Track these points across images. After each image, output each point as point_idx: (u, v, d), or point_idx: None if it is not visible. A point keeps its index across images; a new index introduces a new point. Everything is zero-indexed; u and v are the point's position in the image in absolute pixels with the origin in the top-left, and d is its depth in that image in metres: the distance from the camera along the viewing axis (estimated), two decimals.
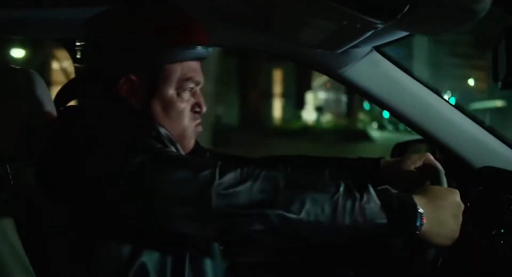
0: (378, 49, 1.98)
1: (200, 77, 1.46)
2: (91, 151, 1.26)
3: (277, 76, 25.25)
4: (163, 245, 1.33)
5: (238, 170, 1.24)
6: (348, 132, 23.04)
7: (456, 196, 1.36)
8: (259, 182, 1.22)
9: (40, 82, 1.64)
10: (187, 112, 1.45)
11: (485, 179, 1.80)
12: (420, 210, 1.27)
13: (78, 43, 1.46)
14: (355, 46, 1.85)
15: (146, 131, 1.32)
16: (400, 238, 1.30)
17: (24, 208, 1.43)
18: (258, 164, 1.90)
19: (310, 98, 28.96)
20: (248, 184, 1.21)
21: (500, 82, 1.31)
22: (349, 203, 1.23)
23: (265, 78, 21.72)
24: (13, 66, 1.65)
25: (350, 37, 1.68)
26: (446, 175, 1.58)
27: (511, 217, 1.58)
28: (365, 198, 1.24)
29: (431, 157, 1.80)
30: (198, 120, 1.50)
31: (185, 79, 1.42)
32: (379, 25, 1.41)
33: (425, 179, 1.67)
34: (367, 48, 1.96)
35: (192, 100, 1.47)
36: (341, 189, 1.25)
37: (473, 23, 1.28)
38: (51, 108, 1.66)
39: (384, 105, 2.01)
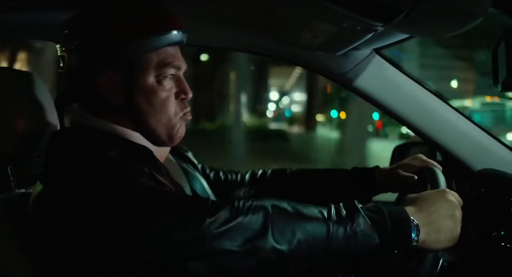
0: (378, 51, 1.98)
1: (180, 62, 1.44)
2: (77, 202, 1.24)
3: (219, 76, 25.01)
4: None
5: (228, 206, 1.23)
6: (266, 132, 23.73)
7: (447, 195, 1.35)
8: (250, 217, 1.22)
9: (40, 85, 1.64)
10: (172, 100, 1.44)
11: (484, 181, 1.80)
12: (415, 222, 1.27)
13: (58, 50, 1.45)
14: (355, 48, 1.85)
15: (137, 169, 1.30)
16: (397, 250, 1.30)
17: (22, 209, 1.43)
18: (252, 180, 1.91)
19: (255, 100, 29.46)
20: (239, 219, 1.21)
21: (500, 84, 1.31)
22: (341, 229, 1.23)
23: (206, 77, 21.36)
24: (13, 68, 1.66)
25: (350, 40, 1.68)
26: (443, 173, 1.58)
27: (511, 219, 1.58)
28: (356, 222, 1.24)
29: (424, 157, 1.80)
30: (187, 109, 1.48)
31: (163, 65, 1.40)
32: (379, 28, 1.41)
33: (423, 181, 1.67)
34: (367, 50, 1.96)
35: (176, 88, 1.45)
36: (332, 215, 1.25)
37: (472, 25, 1.29)
38: (51, 110, 1.66)
39: (384, 107, 2.01)
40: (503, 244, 1.55)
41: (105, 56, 1.38)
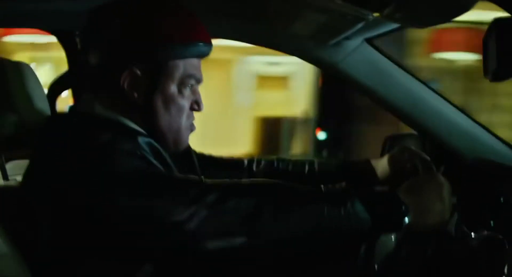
0: (369, 41, 1.99)
1: (200, 75, 1.46)
2: (72, 179, 1.26)
3: None
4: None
5: (222, 186, 1.26)
6: None
7: (435, 178, 1.39)
8: (245, 197, 1.25)
9: (32, 75, 1.64)
10: (186, 109, 1.45)
11: (475, 170, 1.81)
12: (405, 205, 1.30)
13: (79, 33, 1.44)
14: (346, 38, 1.85)
15: (129, 151, 1.31)
16: (388, 233, 1.32)
17: (15, 202, 1.43)
18: (244, 167, 1.90)
19: None
20: (234, 199, 1.23)
21: (490, 75, 1.31)
22: (334, 211, 1.26)
23: None
24: (5, 58, 1.65)
25: (341, 29, 1.68)
26: (433, 162, 1.59)
27: (501, 209, 1.59)
28: (349, 204, 1.26)
29: (411, 148, 1.80)
30: (193, 119, 1.50)
31: (187, 76, 1.41)
32: (369, 17, 1.41)
33: (413, 172, 1.68)
34: (358, 40, 1.96)
35: (192, 98, 1.46)
36: (325, 196, 1.28)
37: (462, 15, 1.29)
38: (43, 100, 1.66)
39: (375, 98, 2.01)
40: (493, 233, 1.55)
41: (135, 54, 1.37)
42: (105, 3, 1.42)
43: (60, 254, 1.31)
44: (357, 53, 1.98)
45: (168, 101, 1.41)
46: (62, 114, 1.53)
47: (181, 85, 1.42)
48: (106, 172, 1.25)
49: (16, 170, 1.94)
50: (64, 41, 2.19)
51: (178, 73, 1.40)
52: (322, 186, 1.33)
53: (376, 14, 1.37)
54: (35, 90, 1.62)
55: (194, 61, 1.43)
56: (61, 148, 1.33)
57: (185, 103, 1.44)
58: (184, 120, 1.45)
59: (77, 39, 1.47)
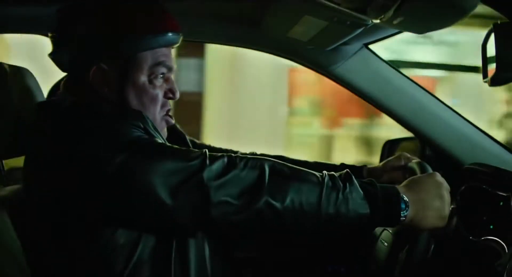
0: (368, 46, 1.99)
1: (171, 63, 1.46)
2: (75, 150, 1.27)
3: None
4: (151, 236, 1.34)
5: (225, 159, 1.26)
6: None
7: (436, 176, 1.39)
8: (246, 170, 1.25)
9: (31, 79, 1.64)
10: (159, 98, 1.45)
11: (474, 175, 1.81)
12: (405, 198, 1.30)
13: (49, 34, 1.45)
14: (346, 43, 1.85)
15: (132, 123, 1.32)
16: (386, 226, 1.32)
17: (16, 202, 1.44)
18: None
19: None
20: (236, 172, 1.24)
21: (489, 79, 1.31)
22: (333, 193, 1.26)
23: None
24: (4, 63, 1.65)
25: (340, 34, 1.68)
26: (432, 168, 1.59)
27: (500, 213, 1.59)
28: (348, 189, 1.27)
29: (408, 155, 1.81)
30: (169, 107, 1.50)
31: (156, 64, 1.41)
32: (369, 22, 1.41)
33: (411, 174, 1.68)
34: (357, 45, 1.96)
35: (165, 86, 1.46)
36: (326, 179, 1.28)
37: (461, 20, 1.29)
38: None
39: (374, 102, 2.02)
40: (492, 238, 1.55)
41: (101, 49, 1.38)
42: (70, 3, 1.43)
43: (62, 234, 1.32)
44: (356, 58, 1.98)
45: (140, 92, 1.41)
46: (51, 102, 1.53)
47: (152, 75, 1.42)
48: (112, 142, 1.26)
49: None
50: None
51: (147, 64, 1.40)
52: (325, 171, 1.32)
53: (375, 20, 1.37)
54: (35, 95, 1.62)
55: (162, 50, 1.43)
56: (60, 133, 1.33)
57: (158, 92, 1.44)
58: (158, 110, 1.45)
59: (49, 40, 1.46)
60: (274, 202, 1.23)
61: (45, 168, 1.33)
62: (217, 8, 1.76)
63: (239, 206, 1.22)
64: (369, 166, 1.88)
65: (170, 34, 1.42)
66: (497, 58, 1.25)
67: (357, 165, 1.89)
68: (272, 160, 1.31)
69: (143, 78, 1.41)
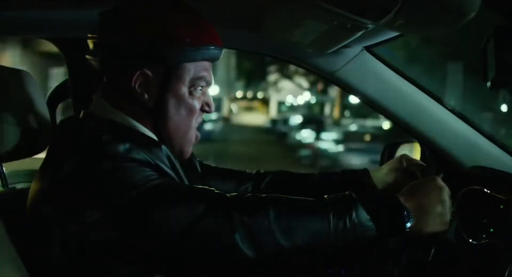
0: (369, 49, 1.99)
1: (210, 77, 1.47)
2: (89, 185, 1.27)
3: None
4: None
5: (235, 199, 1.30)
6: None
7: (435, 181, 1.40)
8: (253, 214, 1.27)
9: (32, 82, 1.64)
10: (197, 110, 1.47)
11: (474, 178, 1.81)
12: (407, 209, 1.32)
13: (90, 36, 1.43)
14: (346, 46, 1.86)
15: (145, 161, 1.33)
16: (391, 238, 1.33)
17: (15, 207, 1.43)
18: (250, 178, 1.90)
19: None
20: (244, 218, 1.26)
21: (489, 82, 1.31)
22: (340, 223, 1.28)
23: None
24: (5, 66, 1.65)
25: (341, 37, 1.68)
26: (433, 170, 1.59)
27: (500, 216, 1.59)
28: (354, 214, 1.29)
29: (409, 157, 1.82)
30: (201, 120, 1.51)
31: (197, 78, 1.43)
32: (369, 25, 1.42)
33: (412, 178, 1.68)
34: (358, 48, 1.97)
35: (202, 99, 1.48)
36: (330, 209, 1.30)
37: (462, 23, 1.29)
38: (43, 108, 1.66)
39: (374, 105, 2.02)
40: (492, 241, 1.55)
41: (146, 55, 1.38)
42: (114, 6, 1.42)
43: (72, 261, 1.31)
44: (357, 61, 1.98)
45: (179, 103, 1.43)
46: (74, 118, 1.52)
47: (192, 87, 1.43)
48: (121, 181, 1.27)
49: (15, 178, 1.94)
50: (65, 50, 2.19)
51: (189, 76, 1.42)
52: (325, 196, 1.34)
53: (375, 23, 1.37)
54: (36, 98, 1.62)
55: (204, 64, 1.44)
56: (74, 154, 1.33)
57: (196, 104, 1.46)
58: (193, 122, 1.47)
59: (86, 44, 1.44)
60: (282, 243, 1.26)
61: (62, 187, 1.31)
62: (217, 12, 1.76)
63: (246, 248, 1.26)
64: (370, 169, 1.88)
65: (214, 48, 1.43)
66: (497, 61, 1.25)
67: (358, 169, 1.89)
68: (275, 199, 1.33)
69: (184, 89, 1.42)
